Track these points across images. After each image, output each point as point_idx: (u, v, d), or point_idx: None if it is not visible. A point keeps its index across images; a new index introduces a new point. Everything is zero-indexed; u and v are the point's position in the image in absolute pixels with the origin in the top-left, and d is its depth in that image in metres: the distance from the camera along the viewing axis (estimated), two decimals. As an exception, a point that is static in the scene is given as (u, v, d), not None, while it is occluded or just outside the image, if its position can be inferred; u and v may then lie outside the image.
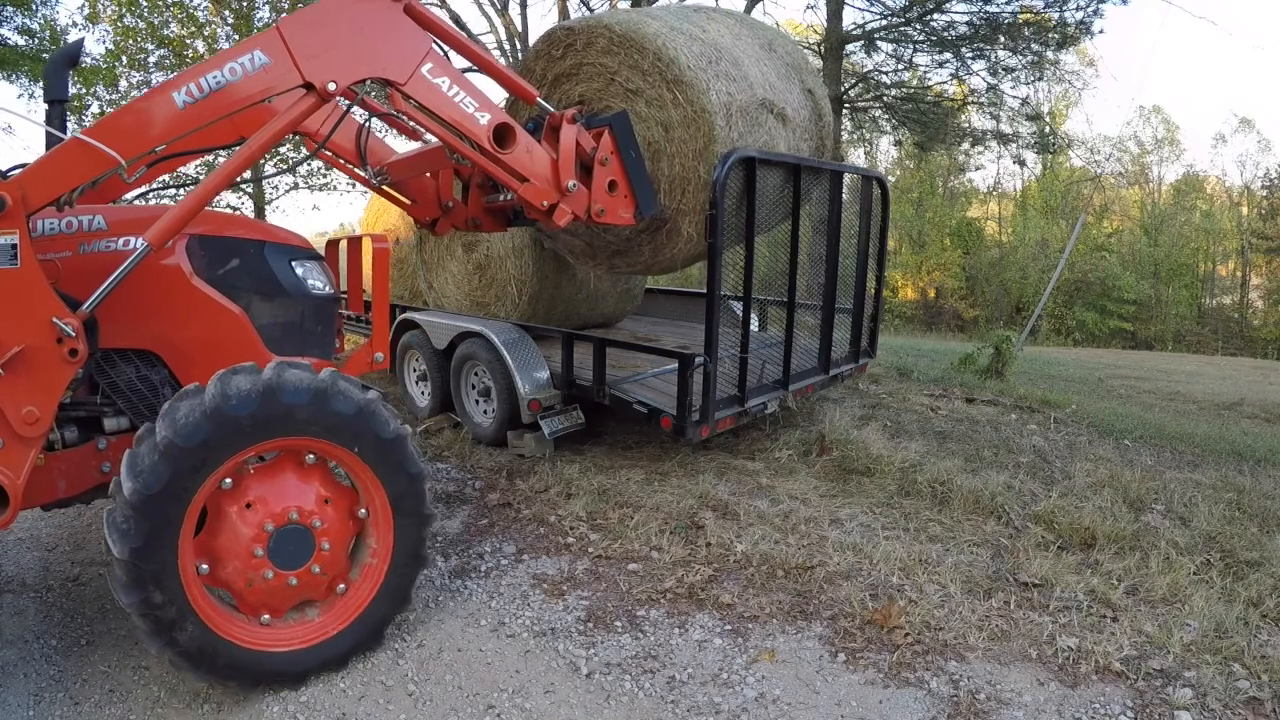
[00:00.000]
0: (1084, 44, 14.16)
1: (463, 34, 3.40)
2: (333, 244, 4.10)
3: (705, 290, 4.18)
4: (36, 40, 14.25)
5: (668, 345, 4.99)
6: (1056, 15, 12.65)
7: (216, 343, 2.86)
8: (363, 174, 3.85)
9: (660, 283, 8.19)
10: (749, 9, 14.48)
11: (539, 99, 3.48)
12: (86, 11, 14.55)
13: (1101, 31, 15.01)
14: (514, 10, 15.15)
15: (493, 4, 14.95)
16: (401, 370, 6.28)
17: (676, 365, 4.15)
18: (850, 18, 13.79)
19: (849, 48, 14.04)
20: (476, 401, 5.48)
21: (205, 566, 2.44)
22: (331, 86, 2.67)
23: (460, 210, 4.14)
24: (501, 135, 3.18)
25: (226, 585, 2.50)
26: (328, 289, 3.28)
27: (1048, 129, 16.50)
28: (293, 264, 3.17)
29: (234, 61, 2.54)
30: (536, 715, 2.52)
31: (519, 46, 15.13)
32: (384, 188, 4.05)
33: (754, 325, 4.60)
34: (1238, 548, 3.57)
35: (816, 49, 14.49)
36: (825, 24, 13.74)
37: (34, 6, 14.26)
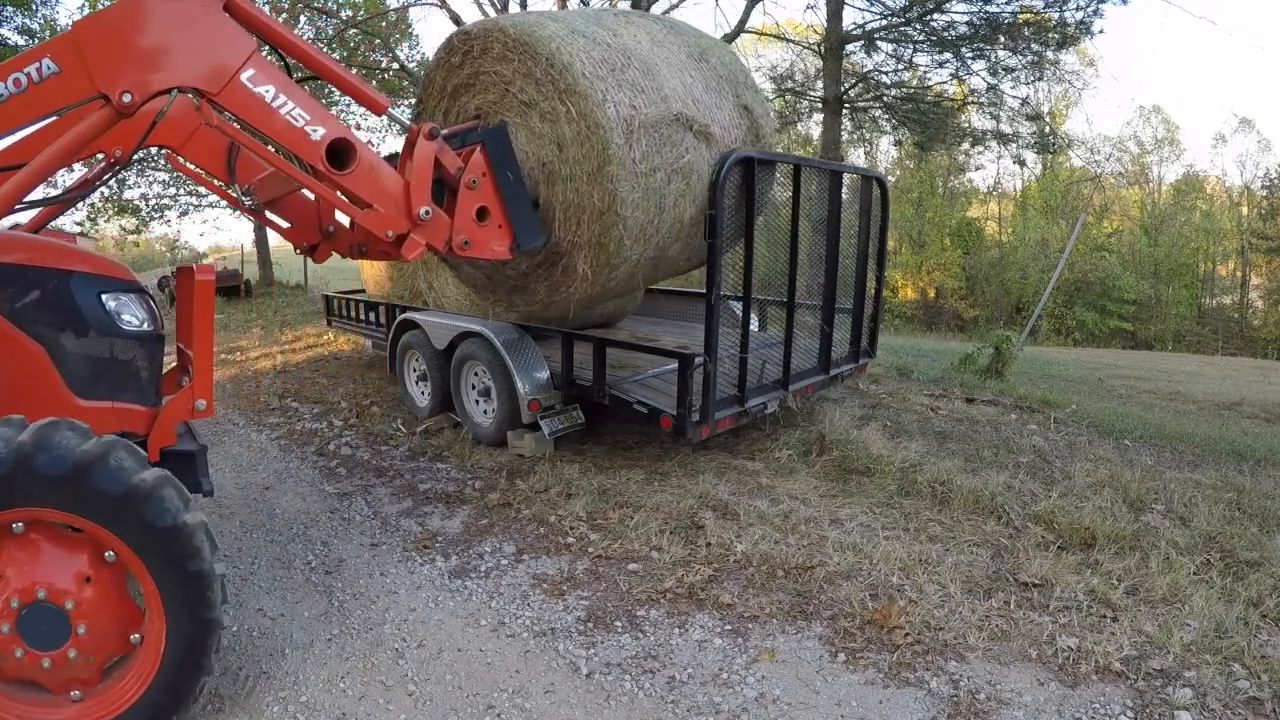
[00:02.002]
0: (1084, 44, 14.15)
1: (299, 37, 2.95)
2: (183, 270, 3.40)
3: (705, 290, 4.16)
4: (36, 40, 14.25)
5: (668, 345, 4.98)
6: (1056, 15, 12.65)
7: (9, 383, 2.48)
8: (233, 193, 3.31)
9: (660, 283, 8.18)
10: (749, 10, 14.47)
11: (390, 110, 3.12)
12: (87, 12, 14.55)
13: (1101, 31, 14.99)
14: (514, 10, 15.15)
15: (492, 4, 14.95)
16: (401, 370, 6.28)
17: (676, 365, 4.15)
18: (850, 18, 13.79)
19: (849, 48, 14.04)
20: (476, 401, 5.48)
21: None
22: (127, 99, 2.38)
23: (345, 235, 3.59)
24: (339, 153, 2.79)
25: None
26: (146, 325, 2.78)
27: (1048, 129, 16.50)
28: (102, 297, 2.69)
29: (19, 72, 2.29)
30: (536, 715, 2.52)
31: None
32: (255, 209, 3.47)
33: (754, 325, 4.59)
34: (1238, 548, 3.57)
35: (816, 49, 14.50)
36: (825, 24, 13.73)
37: (34, 6, 14.26)
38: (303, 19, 15.84)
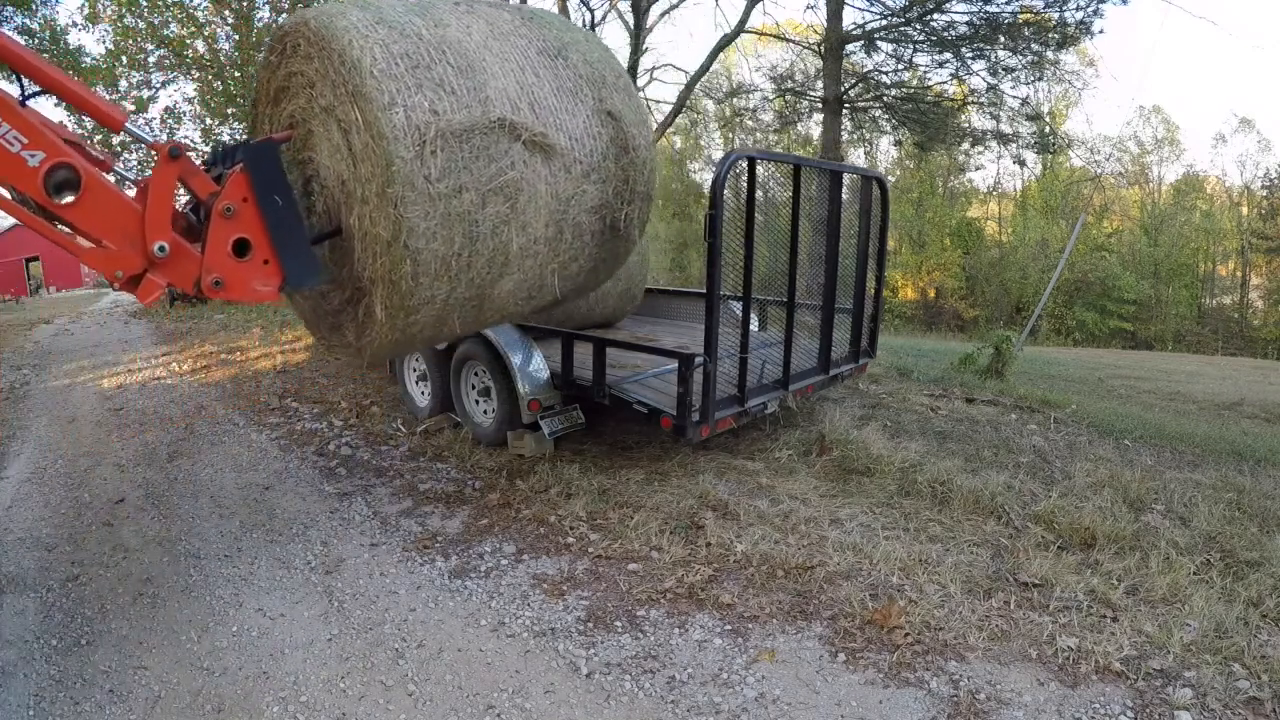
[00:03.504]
0: (1084, 44, 14.17)
1: (21, 46, 2.59)
2: None
3: (705, 290, 4.15)
4: (36, 40, 14.26)
5: (668, 345, 4.98)
6: (1056, 15, 12.68)
7: None
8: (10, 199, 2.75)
9: (660, 283, 8.19)
10: (749, 10, 14.48)
11: (128, 125, 2.67)
12: (86, 11, 14.56)
13: (1101, 31, 15.01)
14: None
15: (492, 4, 14.89)
16: (401, 370, 6.28)
17: (676, 365, 4.15)
18: (850, 18, 13.82)
19: (849, 48, 14.05)
20: (476, 401, 5.48)
21: None
22: None
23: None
24: (62, 182, 2.40)
25: None
26: None
27: (1048, 129, 16.51)
28: None
29: None
30: (536, 715, 2.52)
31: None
32: (47, 224, 2.73)
33: (754, 325, 4.58)
34: (1238, 548, 3.57)
35: (816, 49, 14.50)
36: (825, 24, 13.75)
37: (34, 6, 14.27)
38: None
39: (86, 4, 14.61)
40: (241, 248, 2.70)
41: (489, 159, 3.17)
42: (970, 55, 13.38)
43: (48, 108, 32.68)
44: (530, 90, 3.41)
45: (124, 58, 14.51)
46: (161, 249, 2.55)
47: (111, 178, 2.69)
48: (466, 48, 3.30)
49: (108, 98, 14.34)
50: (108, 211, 2.51)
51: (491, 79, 3.27)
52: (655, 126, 16.35)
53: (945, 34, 13.15)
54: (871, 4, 13.69)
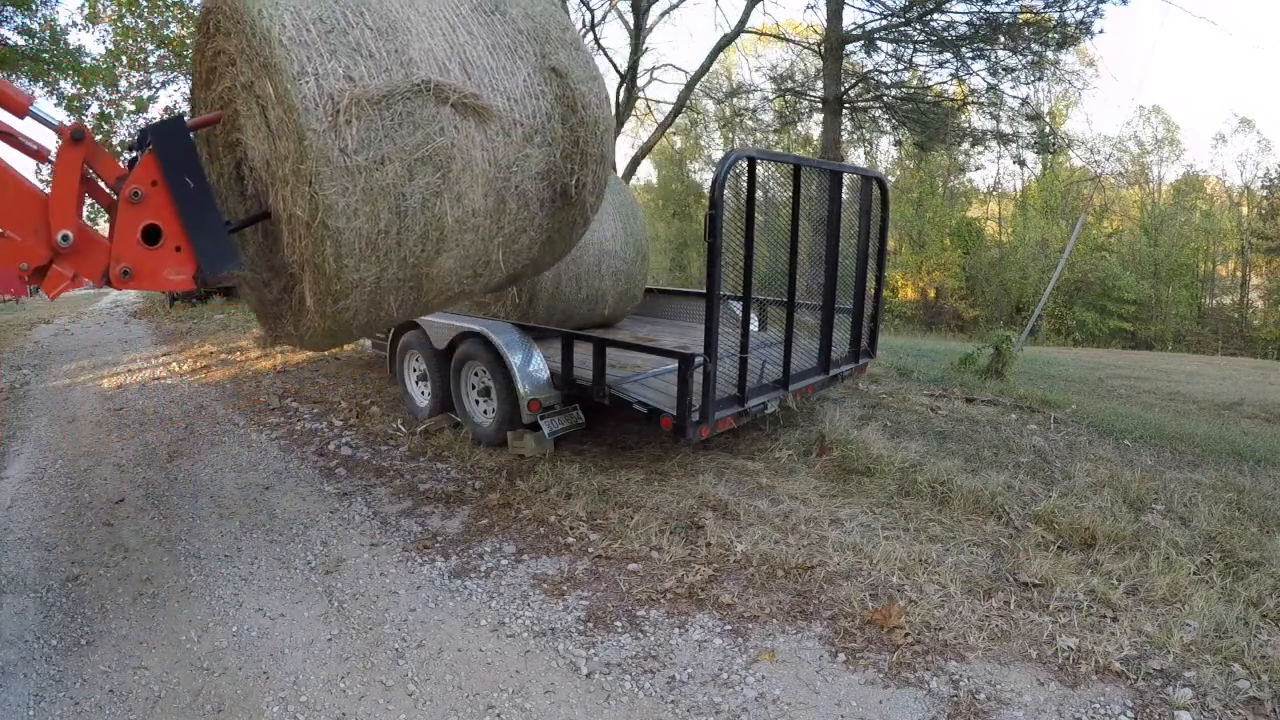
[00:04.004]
0: (1084, 44, 14.18)
1: None
2: None
3: (705, 290, 4.15)
4: (36, 40, 14.26)
5: (668, 345, 4.98)
6: (1056, 15, 12.69)
7: None
8: None
9: (660, 283, 8.19)
10: (749, 10, 14.48)
11: (33, 109, 2.50)
12: (86, 11, 14.56)
13: (1101, 31, 15.01)
14: None
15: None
16: (401, 370, 6.28)
17: (676, 365, 4.15)
18: (850, 18, 13.82)
19: (849, 48, 14.05)
20: (476, 401, 5.48)
21: None
22: None
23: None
24: None
25: None
26: None
27: (1048, 129, 16.52)
28: None
29: None
30: (536, 715, 2.52)
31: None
32: None
33: (754, 325, 4.57)
34: (1238, 548, 3.57)
35: (816, 49, 14.50)
36: (825, 24, 13.76)
37: (34, 6, 14.27)
38: None
39: (86, 4, 14.61)
40: (153, 235, 2.55)
41: (414, 126, 2.93)
42: (970, 55, 13.39)
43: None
44: (462, 49, 3.16)
45: (124, 58, 14.52)
46: (65, 238, 2.41)
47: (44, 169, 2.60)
48: (389, 8, 3.08)
49: (109, 97, 14.32)
50: (7, 199, 2.37)
51: (416, 39, 3.04)
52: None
53: (945, 34, 13.16)
54: (871, 4, 13.70)
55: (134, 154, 2.71)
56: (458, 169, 3.10)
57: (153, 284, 2.63)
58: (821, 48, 14.02)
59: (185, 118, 2.82)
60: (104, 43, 14.35)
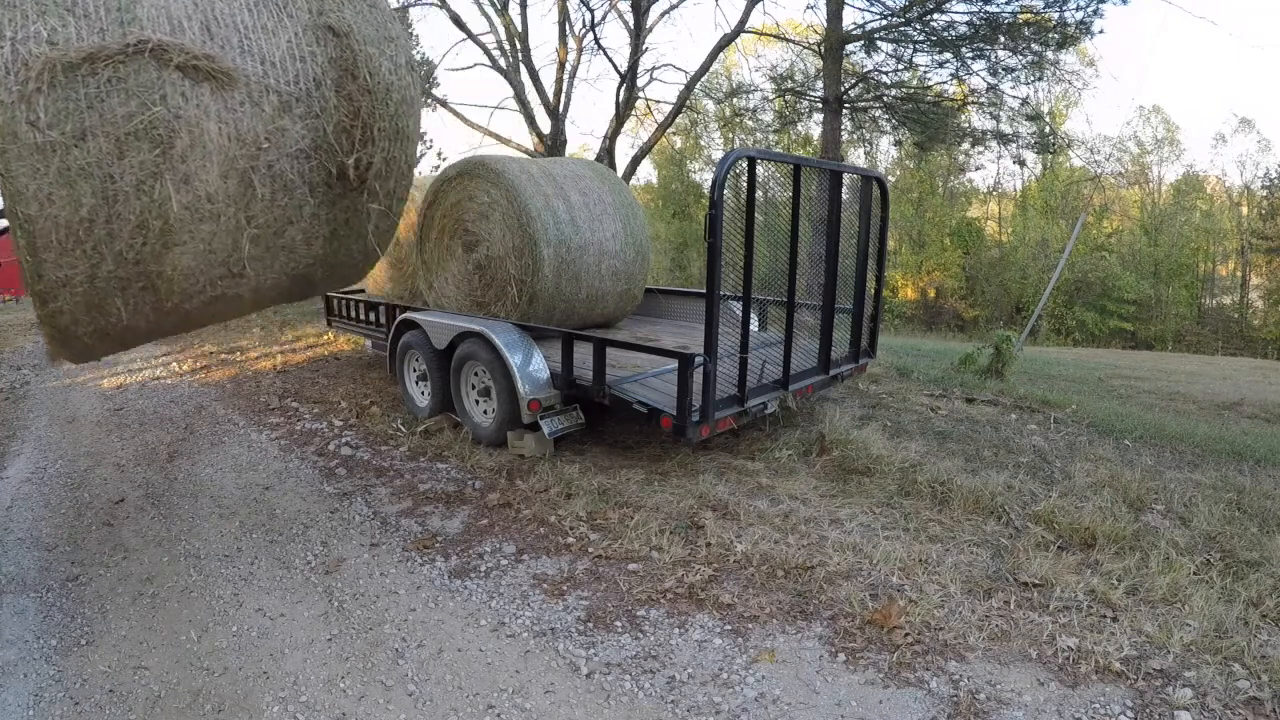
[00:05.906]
0: (1084, 44, 14.17)
1: None
2: None
3: (705, 290, 4.15)
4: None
5: (668, 345, 4.98)
6: (1056, 15, 12.67)
7: None
8: None
9: (660, 283, 8.19)
10: (748, 10, 14.47)
11: None
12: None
13: (1101, 31, 15.03)
14: (514, 10, 15.14)
15: (492, 4, 14.94)
16: (401, 370, 6.28)
17: (676, 365, 4.15)
18: (850, 18, 13.81)
19: (849, 48, 14.05)
20: (476, 401, 5.48)
21: None
22: None
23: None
24: None
25: None
26: None
27: (1048, 129, 16.50)
28: None
29: None
30: (536, 715, 2.52)
31: (519, 47, 15.12)
32: None
33: (754, 325, 4.58)
34: (1238, 548, 3.57)
35: (816, 49, 14.50)
36: (825, 24, 13.75)
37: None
38: None
39: (86, 4, 14.59)
40: None
41: (126, 95, 2.52)
42: (970, 55, 13.37)
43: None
44: (210, 6, 2.75)
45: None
46: None
47: None
48: None
49: None
50: None
51: None
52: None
53: (945, 34, 13.14)
54: (871, 4, 13.69)
55: None
56: (184, 145, 2.66)
57: None
58: (821, 48, 14.01)
59: None
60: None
